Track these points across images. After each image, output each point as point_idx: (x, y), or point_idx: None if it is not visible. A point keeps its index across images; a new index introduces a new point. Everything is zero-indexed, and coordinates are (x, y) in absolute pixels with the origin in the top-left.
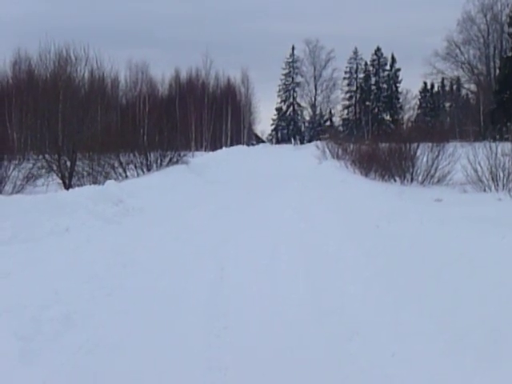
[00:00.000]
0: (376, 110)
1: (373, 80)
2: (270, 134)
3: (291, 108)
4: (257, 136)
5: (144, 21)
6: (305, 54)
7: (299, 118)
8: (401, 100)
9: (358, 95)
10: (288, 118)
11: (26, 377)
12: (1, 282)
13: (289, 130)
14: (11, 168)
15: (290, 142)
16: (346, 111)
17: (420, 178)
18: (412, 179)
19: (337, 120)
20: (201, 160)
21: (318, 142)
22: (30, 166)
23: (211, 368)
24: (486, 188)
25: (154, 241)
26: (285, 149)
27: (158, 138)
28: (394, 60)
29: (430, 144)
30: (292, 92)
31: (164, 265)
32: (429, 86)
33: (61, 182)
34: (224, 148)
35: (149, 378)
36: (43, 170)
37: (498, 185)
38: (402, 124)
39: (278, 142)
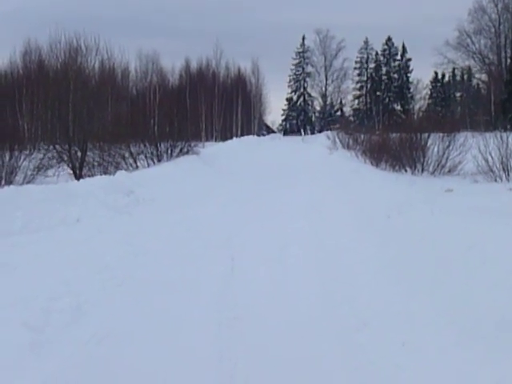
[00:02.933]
0: (387, 100)
1: (383, 70)
2: (281, 125)
3: (302, 98)
4: (267, 126)
5: (154, 10)
6: (315, 44)
7: (310, 108)
8: (411, 90)
9: (368, 85)
10: (298, 108)
11: (36, 367)
12: (12, 273)
13: (299, 120)
14: (22, 158)
15: (300, 134)
16: (356, 101)
17: (431, 168)
18: (423, 169)
19: (347, 110)
20: (211, 150)
21: (329, 132)
22: (41, 156)
23: (222, 358)
24: (497, 178)
25: (164, 231)
26: (293, 142)
27: (169, 128)
28: (404, 50)
29: (441, 134)
30: (302, 82)
31: (175, 255)
32: (440, 76)
33: (71, 172)
34: (234, 138)
35: (159, 369)
36: (54, 161)
37: (508, 175)
38: (412, 114)
39: (287, 133)
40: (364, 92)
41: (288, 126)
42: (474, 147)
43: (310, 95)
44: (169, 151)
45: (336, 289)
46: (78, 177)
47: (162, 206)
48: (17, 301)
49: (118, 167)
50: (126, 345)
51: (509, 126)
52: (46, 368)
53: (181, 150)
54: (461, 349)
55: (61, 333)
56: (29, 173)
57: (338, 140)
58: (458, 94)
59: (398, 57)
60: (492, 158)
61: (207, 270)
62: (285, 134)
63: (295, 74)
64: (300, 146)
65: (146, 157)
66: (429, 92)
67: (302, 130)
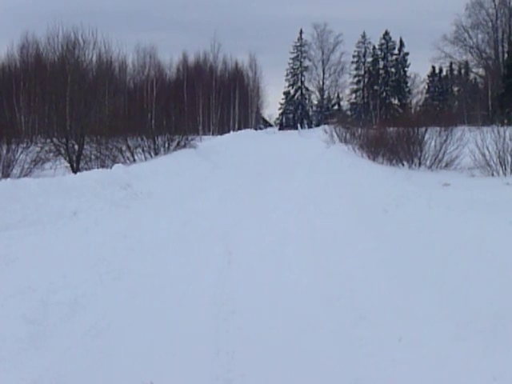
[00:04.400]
0: (384, 94)
1: (381, 64)
2: (278, 118)
3: (299, 92)
4: (264, 120)
5: (152, 4)
6: (313, 38)
7: (307, 102)
8: (409, 84)
9: (366, 79)
10: (296, 102)
11: (35, 360)
12: (10, 266)
13: (296, 113)
14: (19, 151)
15: (296, 128)
16: (353, 95)
17: (428, 162)
18: (420, 163)
19: (345, 104)
20: (208, 144)
21: (326, 126)
22: (38, 149)
23: (219, 351)
24: (494, 172)
25: (161, 225)
26: (289, 136)
27: (166, 121)
28: (402, 44)
29: (438, 128)
30: (300, 76)
31: (172, 249)
32: (437, 71)
33: (68, 165)
34: (232, 132)
35: (157, 362)
36: (51, 154)
37: (505, 169)
38: (410, 108)
39: (282, 127)
40: (361, 86)
41: (284, 120)
42: (471, 141)
43: (307, 89)
44: (166, 145)
45: (333, 283)
46: (75, 170)
47: (159, 200)
48: (15, 293)
49: (115, 161)
50: (123, 338)
51: (506, 121)
52: (44, 360)
53: (178, 144)
54: (458, 343)
55: (59, 325)
56: (26, 166)
57: (335, 134)
58: (455, 89)
59: (396, 51)
60: (489, 152)
61: (204, 264)
62: (280, 128)
63: (293, 67)
64: (297, 141)
65: (143, 150)
66: (426, 86)
67: (298, 125)
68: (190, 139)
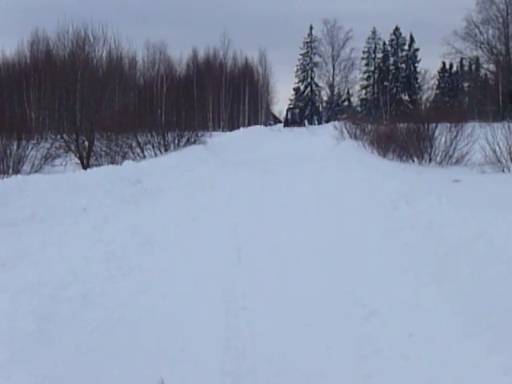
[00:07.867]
0: (394, 90)
1: (391, 60)
2: (287, 114)
3: (309, 88)
4: (274, 116)
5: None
6: (323, 34)
7: (317, 98)
8: (419, 80)
9: (376, 75)
10: (306, 98)
11: (44, 355)
12: (20, 261)
13: (306, 109)
14: (29, 148)
15: (303, 125)
16: (364, 91)
17: (438, 158)
18: (430, 160)
19: (355, 100)
20: (218, 140)
21: (336, 123)
22: (48, 145)
23: (229, 347)
24: (505, 168)
25: (171, 221)
26: (297, 133)
27: (176, 118)
28: (412, 40)
29: (449, 124)
30: (310, 72)
31: (182, 245)
32: (447, 66)
33: (79, 161)
34: (241, 128)
35: (167, 358)
36: (61, 150)
37: None
38: (420, 104)
39: (288, 123)
40: (371, 82)
41: (290, 115)
42: (482, 137)
43: (317, 85)
44: (176, 141)
45: (343, 279)
46: (85, 166)
47: (169, 196)
48: (25, 289)
49: (125, 157)
50: (133, 334)
51: None
52: (53, 356)
53: (188, 140)
54: (468, 338)
55: (69, 321)
56: (36, 162)
57: (345, 130)
58: (465, 85)
59: (406, 47)
60: (500, 148)
61: (214, 259)
62: (285, 125)
63: (302, 63)
64: (306, 137)
65: (153, 147)
66: (436, 82)
67: (305, 121)
68: (200, 135)
